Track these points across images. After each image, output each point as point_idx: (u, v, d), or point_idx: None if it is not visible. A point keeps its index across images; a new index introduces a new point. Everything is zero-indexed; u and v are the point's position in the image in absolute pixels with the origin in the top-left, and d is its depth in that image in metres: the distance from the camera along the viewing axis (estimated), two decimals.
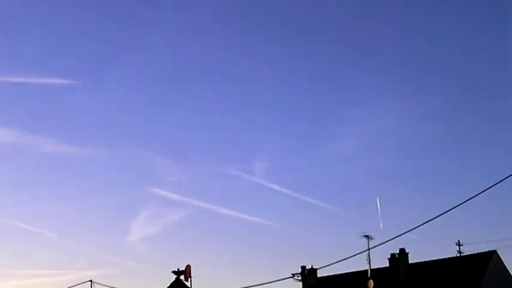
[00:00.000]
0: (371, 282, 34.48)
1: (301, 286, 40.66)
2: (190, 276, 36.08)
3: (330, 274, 39.08)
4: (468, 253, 42.39)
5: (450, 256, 39.25)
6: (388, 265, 37.90)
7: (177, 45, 74.91)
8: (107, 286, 42.50)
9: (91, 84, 74.94)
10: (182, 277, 36.07)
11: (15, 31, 73.82)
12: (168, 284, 37.16)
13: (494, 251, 36.28)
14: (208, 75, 76.29)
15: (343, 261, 31.78)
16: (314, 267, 40.65)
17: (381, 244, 31.39)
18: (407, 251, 37.45)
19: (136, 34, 73.95)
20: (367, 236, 35.29)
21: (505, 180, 18.69)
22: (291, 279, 38.99)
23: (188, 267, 36.26)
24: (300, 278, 40.28)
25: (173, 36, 73.99)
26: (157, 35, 73.14)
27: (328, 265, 33.97)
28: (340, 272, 38.00)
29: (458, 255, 45.57)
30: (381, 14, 70.51)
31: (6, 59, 71.60)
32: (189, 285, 35.95)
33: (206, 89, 76.02)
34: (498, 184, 19.13)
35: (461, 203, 20.59)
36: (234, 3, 74.08)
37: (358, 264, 36.53)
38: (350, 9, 71.94)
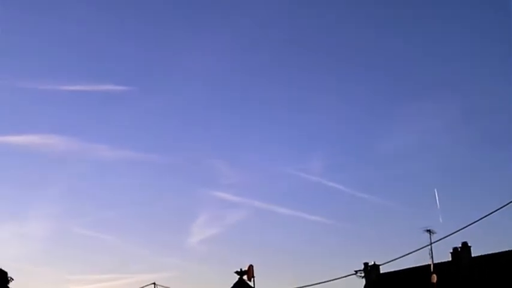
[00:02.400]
0: (434, 277, 34.32)
1: (364, 283, 40.67)
2: (253, 276, 36.44)
3: (393, 270, 39.06)
4: None
5: None
6: (450, 259, 37.60)
7: (227, 46, 75.51)
8: None
9: (146, 90, 76.57)
10: (245, 277, 36.47)
11: (70, 41, 75.91)
12: (232, 285, 37.59)
13: None
14: (260, 76, 76.76)
15: (406, 256, 31.93)
16: (377, 263, 40.55)
17: (443, 238, 31.38)
18: (469, 245, 37.10)
19: (187, 39, 74.97)
20: (429, 231, 35.05)
21: None
22: (354, 276, 39.02)
23: (251, 267, 36.60)
24: (362, 274, 40.21)
25: (224, 38, 74.67)
26: (206, 38, 73.98)
27: (390, 261, 34.09)
28: (402, 268, 37.99)
29: None
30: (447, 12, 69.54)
31: (61, 68, 73.92)
32: (253, 285, 36.37)
33: (261, 90, 76.52)
34: None
35: None
36: None
37: (420, 259, 36.33)
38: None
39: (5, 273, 36.04)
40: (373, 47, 73.50)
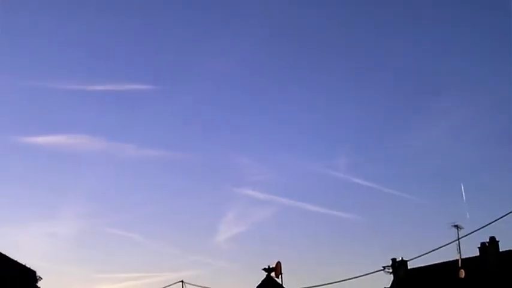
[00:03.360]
0: (462, 272, 34.35)
1: (392, 278, 40.66)
2: (281, 273, 36.72)
3: (421, 265, 39.00)
4: None
5: None
6: (478, 254, 37.47)
7: (255, 44, 75.74)
8: (198, 286, 43.76)
9: (172, 89, 77.20)
10: (273, 274, 36.74)
11: (98, 42, 76.76)
12: (259, 282, 37.77)
13: None
14: (287, 77, 76.88)
15: (434, 252, 31.93)
16: (404, 259, 40.51)
17: (471, 233, 31.32)
18: (497, 239, 36.92)
19: (212, 38, 75.27)
20: (456, 226, 35.04)
21: None
22: (382, 272, 39.05)
23: (278, 264, 36.86)
24: (390, 270, 40.16)
25: (250, 36, 74.88)
26: (234, 36, 74.18)
27: (418, 256, 34.08)
28: (430, 263, 37.94)
29: None
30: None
31: (88, 68, 74.77)
32: (280, 282, 36.61)
33: (287, 90, 76.67)
34: None
35: None
36: None
37: (448, 255, 36.34)
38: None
39: (34, 272, 36.45)
40: (396, 42, 73.09)
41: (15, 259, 34.84)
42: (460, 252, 35.39)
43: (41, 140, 70.57)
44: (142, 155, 74.44)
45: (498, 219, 26.01)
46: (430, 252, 32.07)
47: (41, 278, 37.06)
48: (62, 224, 67.65)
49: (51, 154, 74.10)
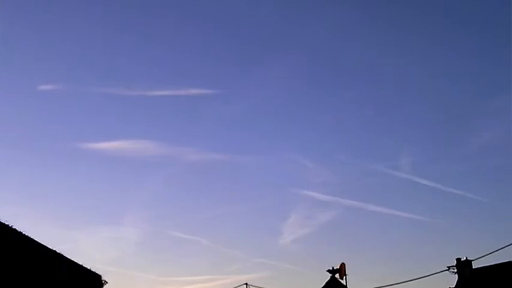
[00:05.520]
0: None
1: (457, 278, 40.45)
2: (345, 274, 36.88)
3: (486, 265, 38.70)
4: None
5: None
6: None
7: (317, 47, 75.98)
8: None
9: (232, 93, 77.96)
10: (337, 275, 36.91)
11: (156, 49, 78.11)
12: (324, 283, 37.97)
13: None
14: (350, 75, 76.88)
15: (499, 251, 31.81)
16: (469, 258, 40.28)
17: None
18: None
19: (272, 39, 75.66)
20: None
21: None
22: (447, 272, 38.93)
23: (343, 265, 37.02)
24: (455, 270, 40.05)
25: (314, 37, 75.00)
26: (296, 36, 74.49)
27: (483, 256, 34.08)
28: (495, 263, 37.61)
29: None
30: None
31: (149, 74, 76.28)
32: (345, 283, 36.77)
33: (349, 91, 76.69)
34: None
35: None
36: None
37: None
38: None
39: (99, 276, 36.99)
40: (459, 43, 72.39)
41: (81, 263, 35.53)
42: None
43: (105, 146, 72.40)
44: (204, 159, 75.62)
45: None
46: (495, 251, 32.02)
47: (107, 282, 37.67)
48: (128, 228, 69.37)
49: (114, 160, 76.13)
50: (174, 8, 76.07)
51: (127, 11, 75.90)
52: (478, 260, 37.69)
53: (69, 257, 33.71)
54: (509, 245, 32.19)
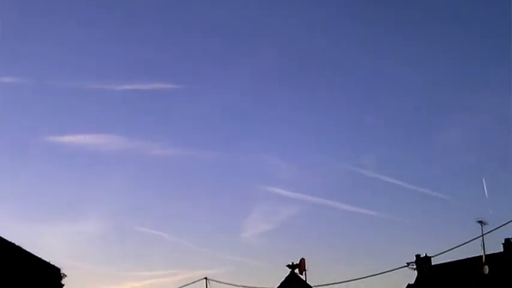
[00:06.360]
0: (486, 268, 34.54)
1: (416, 274, 40.86)
2: (305, 270, 36.85)
3: (445, 262, 39.17)
4: None
5: None
6: (502, 250, 37.51)
7: (290, 43, 75.98)
8: (222, 283, 44.27)
9: (198, 88, 77.63)
10: (297, 270, 36.88)
11: (125, 42, 77.45)
12: (283, 278, 37.90)
13: None
14: (320, 74, 77.06)
15: (458, 248, 32.22)
16: (428, 255, 40.71)
17: (495, 229, 31.69)
18: None
19: (243, 37, 75.54)
20: (480, 222, 35.18)
21: None
22: (406, 268, 39.28)
23: (303, 260, 36.97)
24: (414, 266, 40.46)
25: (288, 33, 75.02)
26: (267, 35, 74.49)
27: (442, 253, 34.76)
28: (454, 259, 38.06)
29: None
30: None
31: (115, 68, 75.61)
32: (304, 279, 36.81)
33: (315, 89, 76.88)
34: None
35: None
36: None
37: (472, 251, 36.48)
38: None
39: (58, 269, 36.60)
40: (427, 40, 72.99)
41: (40, 257, 35.17)
42: (484, 248, 35.48)
43: (68, 139, 71.71)
44: (168, 154, 75.21)
45: None
46: (454, 248, 32.68)
47: (65, 276, 37.31)
48: (90, 223, 68.71)
49: (79, 154, 75.27)
50: (140, 1, 75.32)
51: (91, 4, 74.96)
52: (437, 256, 38.18)
53: (28, 250, 33.33)
54: (467, 242, 32.82)
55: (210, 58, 78.38)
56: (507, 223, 30.53)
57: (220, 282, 43.56)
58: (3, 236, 29.99)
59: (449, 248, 34.08)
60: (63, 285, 36.85)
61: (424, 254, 41.02)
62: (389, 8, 73.21)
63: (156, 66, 78.33)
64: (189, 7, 75.43)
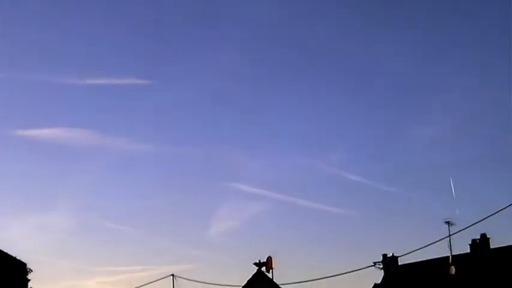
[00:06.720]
0: (453, 269, 34.57)
1: (382, 274, 40.81)
2: (272, 268, 36.72)
3: (412, 261, 39.18)
4: None
5: None
6: (469, 251, 37.57)
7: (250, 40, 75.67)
8: (189, 280, 43.82)
9: (165, 83, 77.30)
10: (264, 268, 36.71)
11: (90, 36, 76.60)
12: (250, 276, 37.69)
13: None
14: (289, 68, 76.87)
15: (424, 248, 32.16)
16: (395, 255, 40.69)
17: (462, 230, 31.69)
18: (488, 236, 36.97)
19: (204, 34, 75.30)
20: (448, 222, 35.20)
21: None
22: (373, 267, 39.23)
23: (270, 258, 36.87)
24: (381, 266, 40.46)
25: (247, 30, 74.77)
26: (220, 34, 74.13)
27: (409, 252, 34.79)
28: (421, 259, 38.06)
29: None
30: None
31: (82, 62, 74.71)
32: (271, 277, 36.63)
33: (285, 84, 76.74)
34: None
35: None
36: None
37: (439, 251, 36.51)
38: None
39: (24, 264, 36.12)
40: (392, 36, 73.13)
41: (5, 251, 34.55)
42: (450, 249, 35.54)
43: (36, 133, 70.94)
44: (136, 149, 74.71)
45: (489, 217, 26.41)
46: (421, 248, 32.62)
47: (31, 271, 36.76)
48: (58, 217, 68.19)
49: (47, 147, 74.73)
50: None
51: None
52: (404, 256, 38.14)
53: None
54: (434, 243, 32.74)
55: (178, 54, 77.90)
56: (474, 224, 30.59)
57: (187, 279, 43.03)
58: None
59: (416, 248, 34.12)
60: (29, 280, 36.34)
61: (391, 254, 41.02)
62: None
63: (123, 61, 77.92)
64: None
